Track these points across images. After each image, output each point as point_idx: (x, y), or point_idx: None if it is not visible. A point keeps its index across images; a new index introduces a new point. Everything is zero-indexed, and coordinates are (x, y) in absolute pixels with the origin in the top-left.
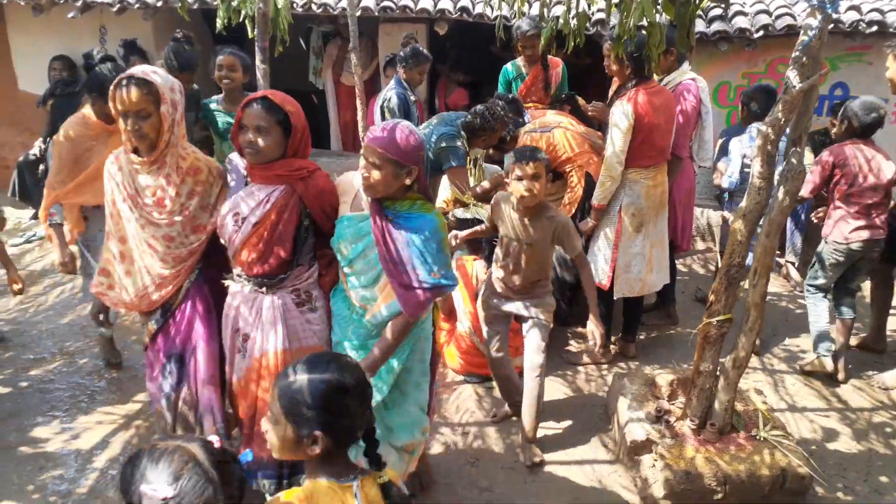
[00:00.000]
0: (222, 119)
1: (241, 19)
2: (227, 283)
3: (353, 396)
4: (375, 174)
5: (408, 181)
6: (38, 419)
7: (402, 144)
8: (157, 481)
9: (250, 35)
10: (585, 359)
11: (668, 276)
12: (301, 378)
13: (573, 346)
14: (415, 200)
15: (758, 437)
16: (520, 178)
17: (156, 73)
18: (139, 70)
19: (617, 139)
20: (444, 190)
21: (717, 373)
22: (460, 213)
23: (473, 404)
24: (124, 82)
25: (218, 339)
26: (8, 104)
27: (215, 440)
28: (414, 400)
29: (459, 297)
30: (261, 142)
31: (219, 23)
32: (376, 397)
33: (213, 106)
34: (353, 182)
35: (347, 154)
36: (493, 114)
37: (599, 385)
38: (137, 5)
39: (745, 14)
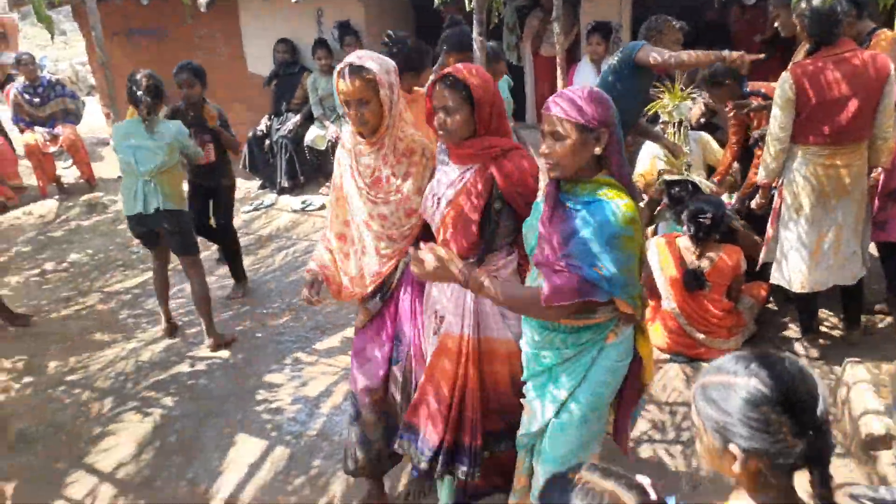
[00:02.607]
0: None
1: None
2: None
3: (790, 412)
4: (559, 147)
5: (598, 149)
6: (272, 367)
7: (584, 103)
8: None
9: (467, 7)
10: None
11: (854, 273)
12: (721, 379)
13: (792, 330)
14: (601, 184)
15: None
16: None
17: (371, 58)
18: (356, 57)
19: (775, 114)
20: (643, 160)
21: None
22: (669, 176)
23: (681, 384)
24: (345, 71)
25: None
26: (239, 85)
27: (648, 485)
28: (572, 437)
29: (661, 275)
30: (448, 121)
31: None
32: (538, 418)
33: None
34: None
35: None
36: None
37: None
38: None
39: None
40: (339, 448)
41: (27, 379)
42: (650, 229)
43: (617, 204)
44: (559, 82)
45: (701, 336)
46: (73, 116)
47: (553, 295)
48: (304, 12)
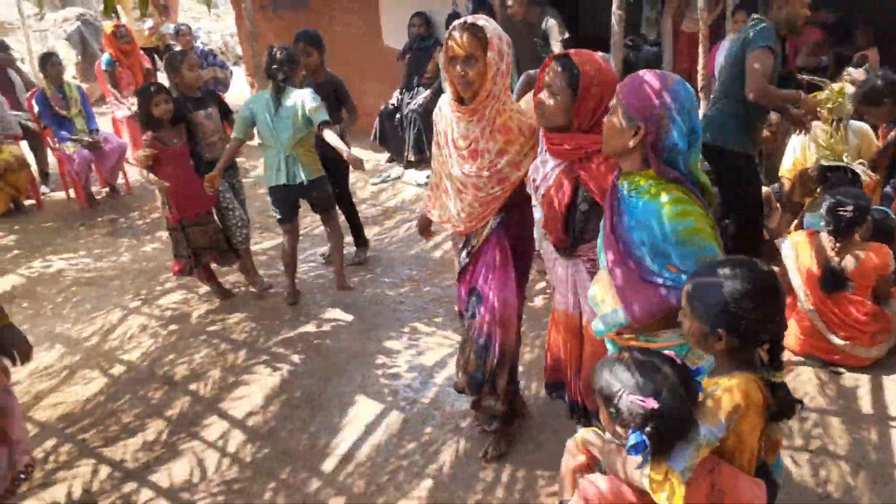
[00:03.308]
0: None
1: None
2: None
3: (759, 302)
4: (607, 121)
5: (631, 143)
6: (391, 333)
7: (639, 89)
8: (641, 392)
9: None
10: None
11: None
12: (709, 280)
13: None
14: (649, 178)
15: None
16: None
17: (487, 21)
18: (471, 17)
19: None
20: (786, 159)
21: None
22: (826, 161)
23: (814, 388)
24: (457, 26)
25: (514, 283)
26: (374, 58)
27: (676, 356)
28: None
29: (797, 271)
30: (547, 104)
31: None
32: None
33: None
34: None
35: None
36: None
37: None
38: None
39: None
40: (450, 418)
41: (173, 326)
42: (794, 223)
43: (659, 201)
44: (700, 60)
45: (840, 342)
46: (223, 85)
47: (641, 310)
48: None
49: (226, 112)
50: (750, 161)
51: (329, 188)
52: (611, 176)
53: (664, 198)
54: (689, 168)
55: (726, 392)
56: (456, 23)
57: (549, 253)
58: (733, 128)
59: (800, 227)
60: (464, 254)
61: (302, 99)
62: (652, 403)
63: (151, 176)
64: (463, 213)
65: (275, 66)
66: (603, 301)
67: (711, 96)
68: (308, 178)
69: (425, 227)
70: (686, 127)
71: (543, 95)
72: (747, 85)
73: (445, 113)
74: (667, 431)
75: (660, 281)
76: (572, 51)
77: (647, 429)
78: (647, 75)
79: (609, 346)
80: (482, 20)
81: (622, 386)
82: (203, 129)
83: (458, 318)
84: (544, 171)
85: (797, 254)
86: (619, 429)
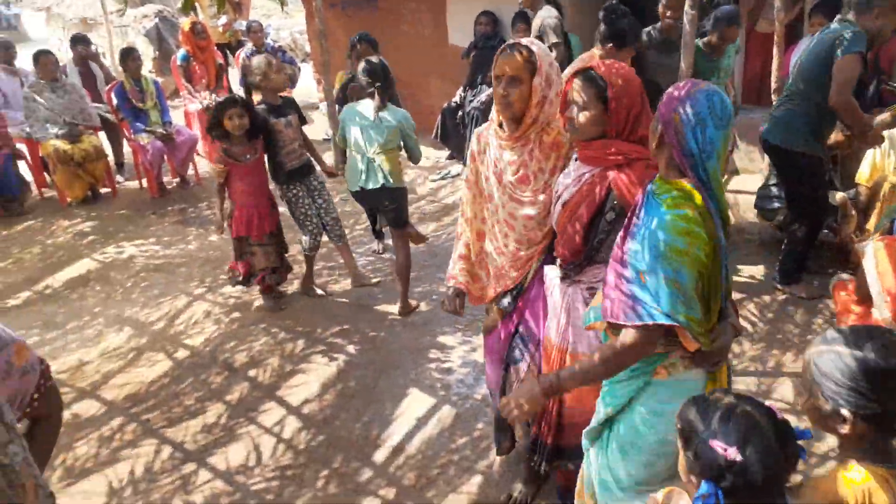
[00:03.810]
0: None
1: None
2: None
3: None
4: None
5: (653, 144)
6: (445, 329)
7: (666, 97)
8: (725, 438)
9: None
10: None
11: None
12: (835, 349)
13: None
14: (673, 188)
15: None
16: None
17: (540, 47)
18: (526, 39)
19: None
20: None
21: None
22: None
23: None
24: (508, 47)
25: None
26: (438, 56)
27: (777, 411)
28: (612, 464)
29: (877, 280)
30: (579, 117)
31: None
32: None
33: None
34: None
35: (749, 107)
36: None
37: None
38: None
39: None
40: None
41: (235, 314)
42: (875, 225)
43: (673, 212)
44: (774, 62)
45: None
46: (290, 81)
47: (611, 313)
48: None
49: (302, 119)
50: (818, 164)
51: (404, 203)
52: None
53: (678, 212)
54: (709, 178)
55: (843, 484)
56: (507, 44)
57: (550, 279)
58: (803, 129)
59: (887, 231)
60: (507, 299)
61: (404, 120)
62: (734, 454)
63: (219, 196)
64: (509, 250)
65: (378, 84)
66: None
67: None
68: (385, 184)
69: (454, 306)
70: (701, 137)
71: (573, 112)
72: (833, 88)
73: (489, 140)
74: (746, 492)
75: (624, 282)
76: (593, 63)
77: (724, 482)
78: (683, 83)
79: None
80: (535, 45)
81: (706, 428)
82: (283, 137)
83: (489, 366)
84: (570, 178)
85: (878, 260)
86: (693, 478)
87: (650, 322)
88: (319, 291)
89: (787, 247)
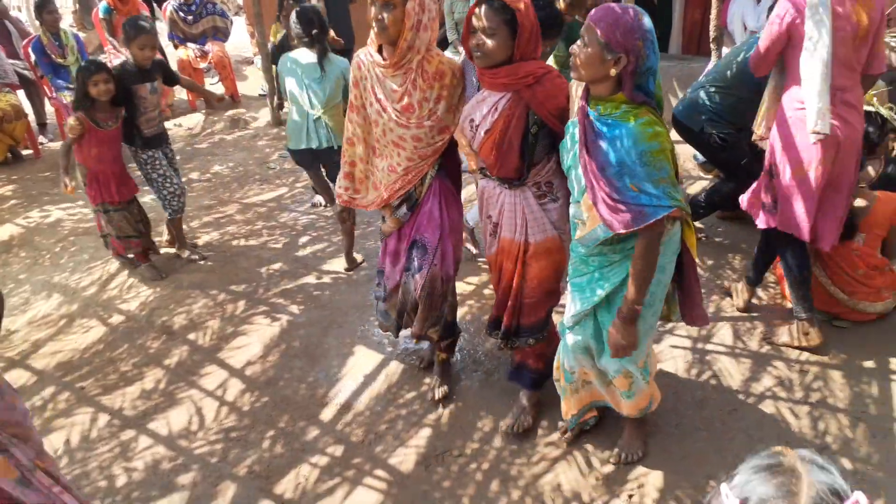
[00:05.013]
0: None
1: None
2: (476, 176)
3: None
4: (582, 52)
5: (612, 71)
6: None
7: (617, 23)
8: (736, 488)
9: None
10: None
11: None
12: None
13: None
14: (619, 104)
15: None
16: None
17: None
18: None
19: None
20: None
21: None
22: None
23: None
24: None
25: (459, 228)
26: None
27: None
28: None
29: None
30: (488, 44)
31: None
32: (573, 306)
33: None
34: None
35: (688, 57)
36: None
37: None
38: None
39: None
40: (451, 369)
41: (171, 276)
42: None
43: (635, 124)
44: (713, 11)
45: (843, 296)
46: (222, 35)
47: (623, 226)
48: None
49: (172, 80)
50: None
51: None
52: (559, 96)
53: (640, 120)
54: (655, 87)
55: None
56: None
57: (492, 189)
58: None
59: None
60: (404, 208)
61: (346, 70)
62: None
63: (63, 157)
64: (400, 168)
65: (315, 31)
66: (585, 221)
67: (724, 49)
68: (334, 144)
69: (344, 218)
70: (655, 52)
71: (479, 39)
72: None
73: (369, 69)
74: None
75: (622, 200)
76: None
77: None
78: (617, 8)
79: (575, 257)
80: None
81: (737, 479)
82: (145, 103)
83: (378, 275)
84: (486, 107)
85: None
86: None
87: (658, 217)
88: (190, 255)
89: (711, 191)
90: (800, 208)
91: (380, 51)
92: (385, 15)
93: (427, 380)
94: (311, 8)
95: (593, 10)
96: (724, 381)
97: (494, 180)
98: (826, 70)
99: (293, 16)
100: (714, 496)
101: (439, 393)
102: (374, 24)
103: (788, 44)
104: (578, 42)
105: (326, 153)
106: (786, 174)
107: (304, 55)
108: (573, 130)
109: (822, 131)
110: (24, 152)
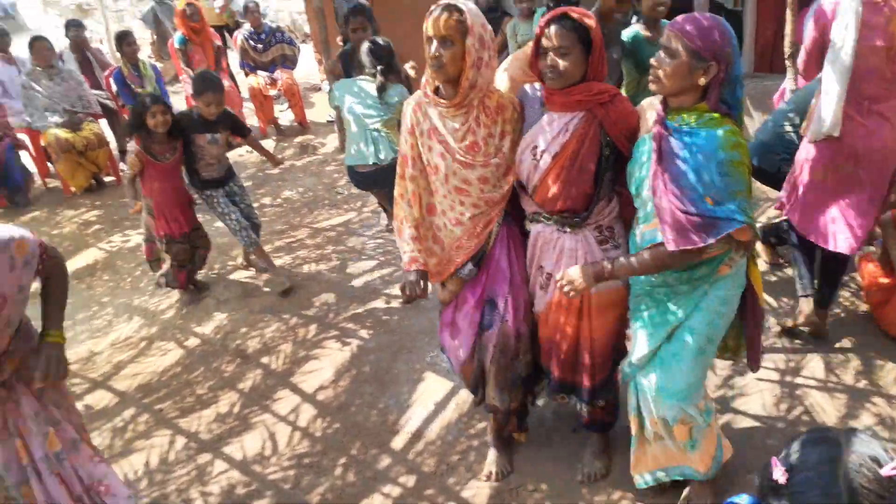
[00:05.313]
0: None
1: None
2: (527, 222)
3: None
4: (668, 64)
5: (702, 80)
6: None
7: (706, 31)
8: (784, 458)
9: None
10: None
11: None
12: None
13: None
14: (703, 113)
15: None
16: None
17: (471, 7)
18: (458, 0)
19: None
20: None
21: None
22: None
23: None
24: (435, 8)
25: (526, 277)
26: None
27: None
28: (687, 367)
29: None
30: (562, 64)
31: None
32: (642, 346)
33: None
34: (654, 102)
35: (761, 75)
36: None
37: None
38: None
39: None
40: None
41: (245, 300)
42: None
43: (720, 131)
44: (787, 27)
45: None
46: (291, 62)
47: (679, 239)
48: None
49: (241, 132)
50: None
51: None
52: (631, 117)
53: (724, 128)
54: (742, 95)
55: None
56: (436, 5)
57: (549, 234)
58: None
59: None
60: (469, 266)
61: (400, 94)
62: (779, 474)
63: (129, 188)
64: (466, 217)
65: (381, 66)
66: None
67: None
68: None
69: (420, 290)
70: (739, 61)
71: (553, 59)
72: None
73: (427, 110)
74: None
75: (695, 211)
76: (565, 9)
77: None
78: (702, 17)
79: (638, 290)
80: (465, 4)
81: (784, 451)
82: (202, 151)
83: (442, 352)
84: (554, 130)
85: None
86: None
87: (731, 230)
88: (273, 276)
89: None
90: (807, 206)
91: (436, 91)
92: (443, 52)
93: None
94: (383, 45)
95: (676, 20)
96: (818, 418)
97: (552, 223)
98: (843, 77)
99: (364, 47)
100: (764, 468)
101: (495, 472)
102: (430, 63)
103: (823, 48)
104: (659, 53)
105: (385, 174)
106: (802, 173)
107: (367, 84)
108: (646, 146)
109: (818, 133)
110: (107, 179)
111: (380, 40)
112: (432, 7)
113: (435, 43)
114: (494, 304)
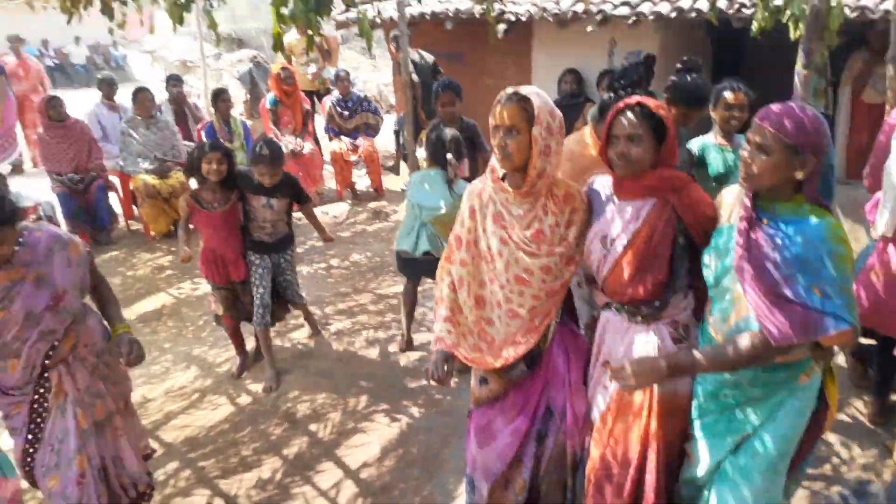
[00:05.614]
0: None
1: (785, 19)
2: (595, 313)
3: None
4: (760, 160)
5: (799, 175)
6: None
7: (800, 124)
8: None
9: (792, 36)
10: None
11: None
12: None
13: None
14: (801, 203)
15: None
16: None
17: (537, 94)
18: (525, 88)
19: None
20: None
21: None
22: None
23: None
24: (503, 97)
25: (583, 386)
26: None
27: None
28: (759, 486)
29: None
30: (634, 150)
31: (755, 26)
32: (704, 458)
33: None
34: (736, 191)
35: (854, 183)
36: None
37: None
38: (652, 17)
39: None
40: None
41: (300, 362)
42: None
43: (827, 221)
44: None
45: None
46: (373, 130)
47: (781, 332)
48: (596, 43)
49: (301, 200)
50: None
51: None
52: (704, 204)
53: (829, 219)
54: (830, 187)
55: None
56: (503, 93)
57: (619, 324)
58: None
59: None
60: (521, 366)
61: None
62: None
63: (181, 232)
64: (524, 310)
65: (449, 155)
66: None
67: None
68: (431, 251)
69: (443, 373)
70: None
71: (624, 146)
72: None
73: (492, 195)
74: None
75: (799, 303)
76: (638, 98)
77: None
78: (796, 109)
79: (703, 393)
80: (533, 94)
81: None
82: (255, 212)
83: (468, 485)
84: (625, 218)
85: None
86: None
87: (839, 330)
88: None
89: None
90: (863, 299)
91: (503, 178)
92: (509, 142)
93: None
94: (452, 137)
95: (768, 113)
96: None
97: (624, 313)
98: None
99: (433, 135)
100: None
101: None
102: (496, 152)
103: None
104: (748, 148)
105: (427, 265)
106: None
107: (438, 177)
108: (727, 238)
109: (880, 233)
110: None
111: (451, 132)
112: (499, 96)
113: (501, 132)
114: (551, 412)
